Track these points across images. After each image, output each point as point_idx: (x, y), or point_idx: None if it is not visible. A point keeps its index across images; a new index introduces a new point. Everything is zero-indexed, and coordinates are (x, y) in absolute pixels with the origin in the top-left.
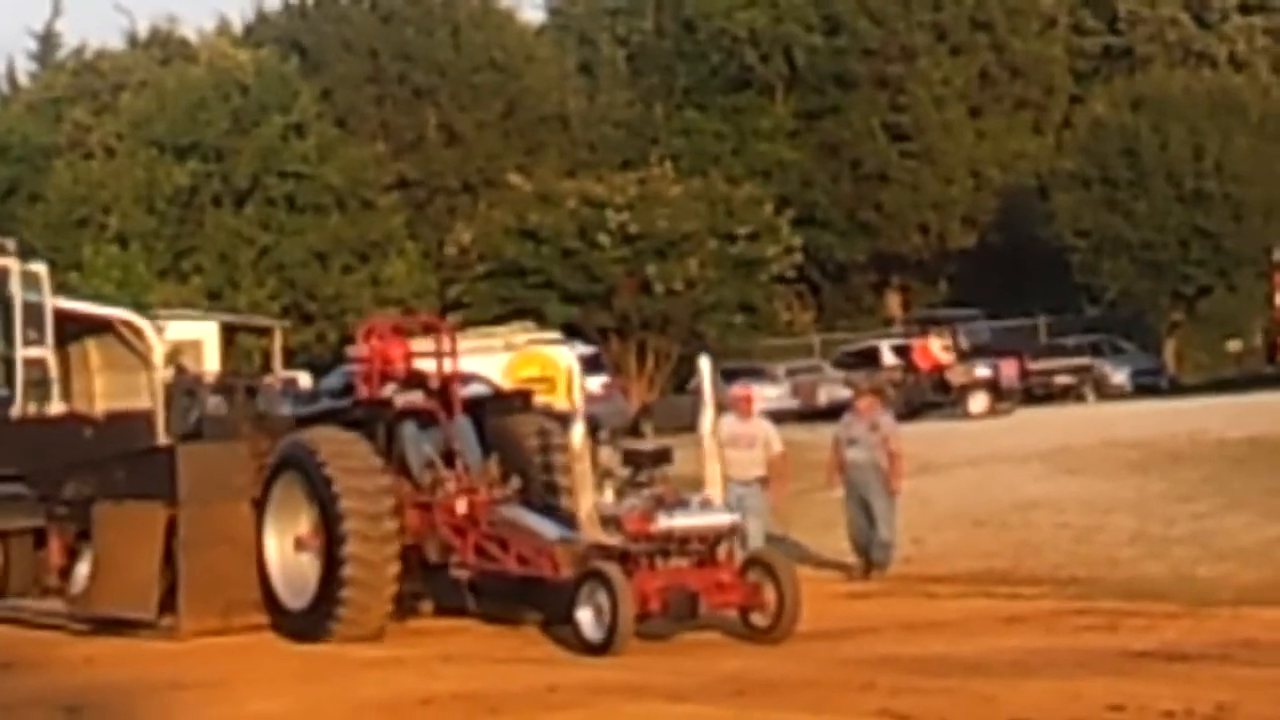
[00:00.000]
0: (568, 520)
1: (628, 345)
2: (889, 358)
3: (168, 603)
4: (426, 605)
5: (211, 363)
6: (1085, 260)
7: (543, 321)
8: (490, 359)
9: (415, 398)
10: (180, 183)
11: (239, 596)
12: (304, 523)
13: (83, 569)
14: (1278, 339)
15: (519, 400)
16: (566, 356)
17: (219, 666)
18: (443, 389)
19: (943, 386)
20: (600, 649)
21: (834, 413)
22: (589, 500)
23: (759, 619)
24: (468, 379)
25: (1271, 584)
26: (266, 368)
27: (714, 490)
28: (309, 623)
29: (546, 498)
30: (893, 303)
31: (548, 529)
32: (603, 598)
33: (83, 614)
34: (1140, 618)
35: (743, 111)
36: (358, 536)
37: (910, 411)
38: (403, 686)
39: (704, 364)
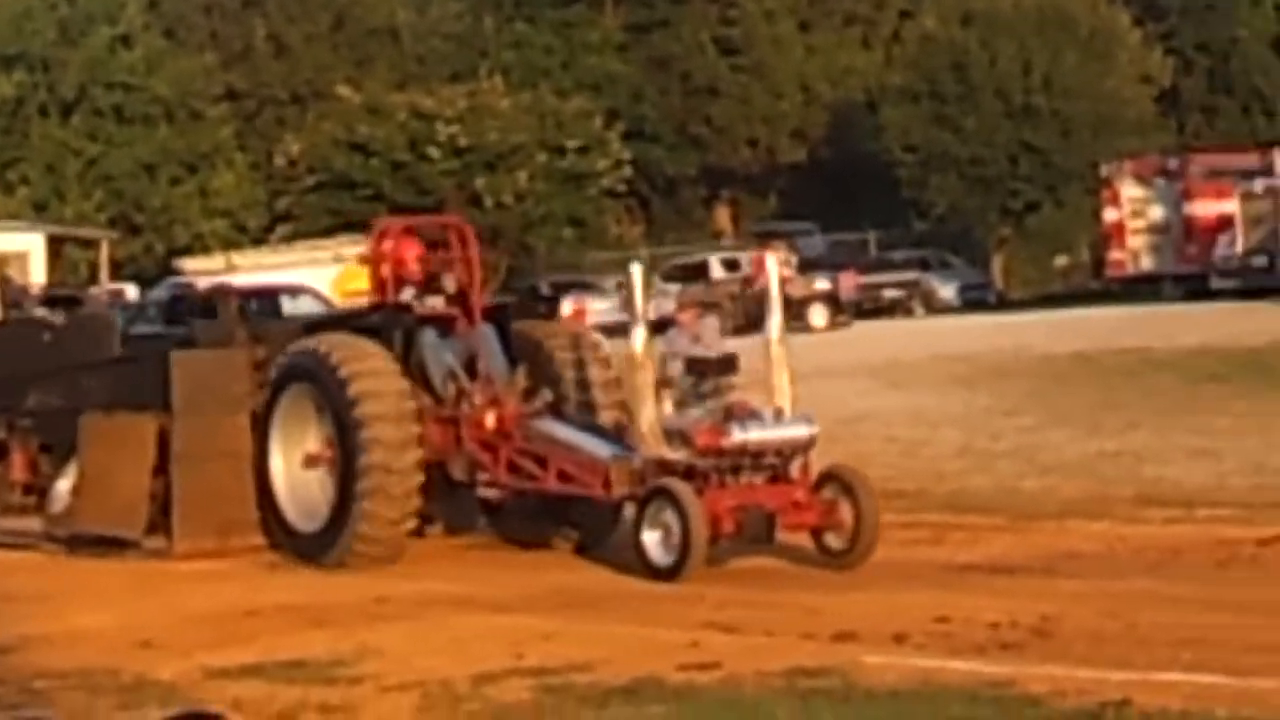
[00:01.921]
0: (611, 434)
1: None
2: (718, 271)
3: (158, 521)
4: (436, 527)
5: (38, 274)
6: (914, 175)
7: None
8: (319, 271)
9: (437, 303)
10: (6, 93)
11: (236, 516)
12: (315, 438)
13: (63, 485)
14: (1105, 254)
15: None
16: None
17: (47, 579)
18: (462, 294)
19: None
20: (669, 574)
21: (663, 326)
22: (651, 412)
23: (834, 541)
24: (296, 291)
25: (1094, 497)
26: (93, 279)
27: (784, 401)
28: (322, 545)
29: (582, 411)
30: (722, 216)
31: (595, 444)
32: (671, 518)
33: (63, 533)
34: (966, 531)
35: (572, 25)
36: (379, 455)
37: (749, 324)
38: (229, 598)
39: (770, 261)
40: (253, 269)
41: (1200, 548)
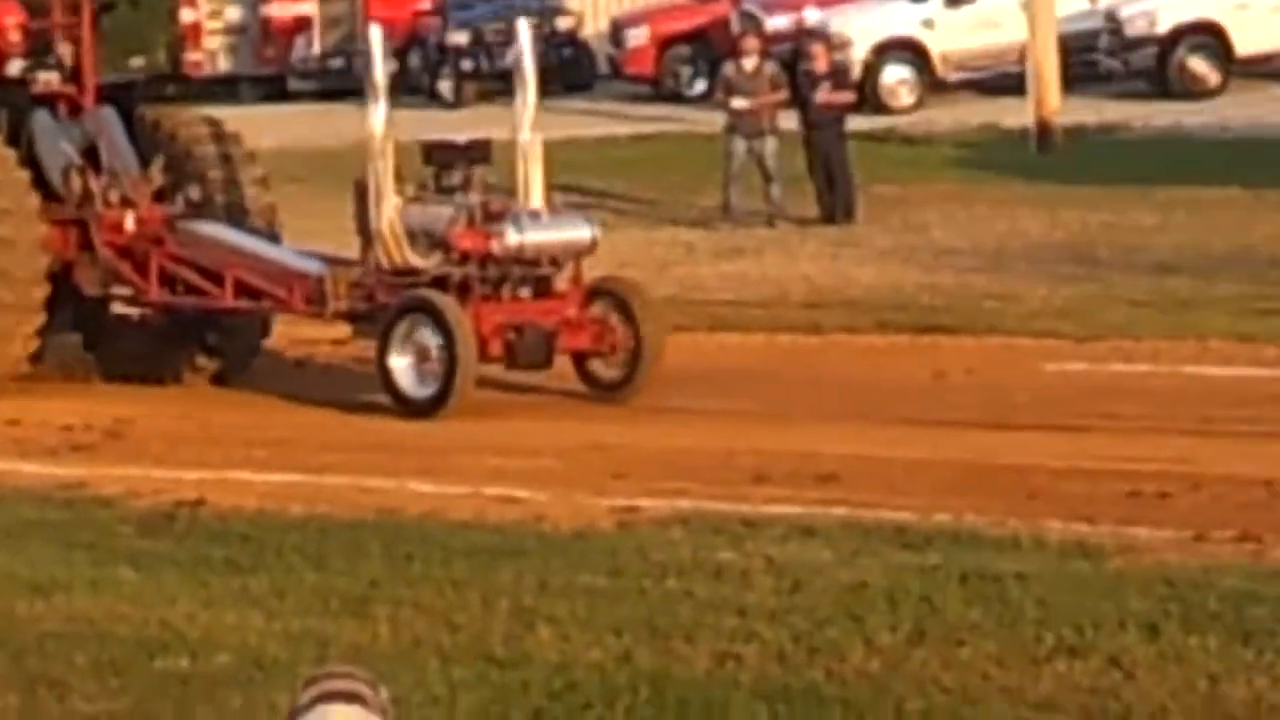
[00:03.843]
0: (273, 238)
1: None
2: None
3: None
4: None
5: None
6: None
7: None
8: None
9: (53, 79)
10: None
11: None
12: None
13: None
14: (182, 56)
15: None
16: None
17: None
18: (77, 69)
19: None
20: (426, 408)
21: None
22: (389, 209)
23: (604, 369)
24: None
25: None
26: None
27: (537, 199)
28: None
29: (231, 214)
30: None
31: (283, 252)
32: (430, 338)
33: None
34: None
35: None
36: None
37: None
38: None
39: (522, 29)
40: None
41: (277, 347)
